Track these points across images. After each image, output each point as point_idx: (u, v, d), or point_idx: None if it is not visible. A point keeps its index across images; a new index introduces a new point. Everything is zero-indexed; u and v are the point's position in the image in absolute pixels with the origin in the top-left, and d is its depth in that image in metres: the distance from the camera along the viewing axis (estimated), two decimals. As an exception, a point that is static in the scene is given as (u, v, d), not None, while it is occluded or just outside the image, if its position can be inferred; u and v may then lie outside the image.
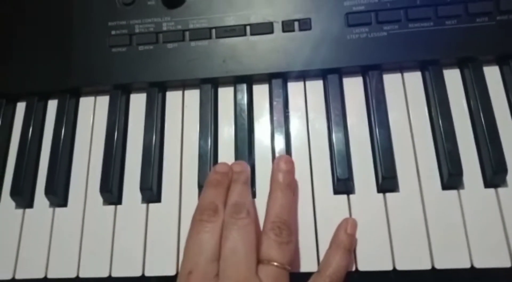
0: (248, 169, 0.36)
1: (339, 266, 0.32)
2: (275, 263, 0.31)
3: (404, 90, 0.39)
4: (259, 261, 0.31)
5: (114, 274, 0.36)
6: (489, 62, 0.38)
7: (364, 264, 0.34)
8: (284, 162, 0.35)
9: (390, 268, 0.33)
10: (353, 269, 0.33)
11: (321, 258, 0.34)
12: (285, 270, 0.31)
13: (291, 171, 0.35)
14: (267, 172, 0.36)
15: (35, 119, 0.41)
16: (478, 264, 0.33)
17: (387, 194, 0.35)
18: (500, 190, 0.34)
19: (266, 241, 0.32)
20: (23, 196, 0.39)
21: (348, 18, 0.39)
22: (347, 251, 0.33)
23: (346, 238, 0.33)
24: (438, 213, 0.34)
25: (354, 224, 0.34)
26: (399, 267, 0.33)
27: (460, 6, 0.38)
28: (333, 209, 0.35)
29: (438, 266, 0.33)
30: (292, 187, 0.34)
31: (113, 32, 0.42)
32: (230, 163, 0.36)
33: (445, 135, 0.35)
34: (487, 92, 0.37)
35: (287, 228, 0.32)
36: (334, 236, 0.34)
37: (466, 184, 0.35)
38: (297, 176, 0.37)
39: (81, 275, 0.36)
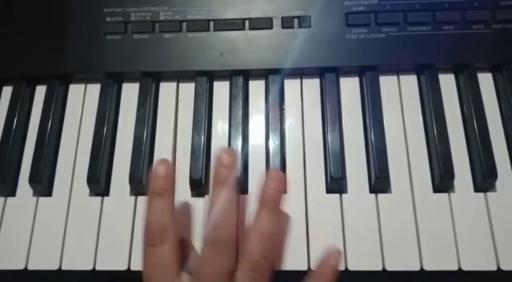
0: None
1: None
2: None
3: (400, 93, 0.39)
4: None
5: (98, 268, 0.35)
6: (483, 69, 0.39)
7: (354, 263, 0.33)
8: (276, 182, 0.31)
9: (379, 268, 0.33)
10: (343, 268, 0.33)
11: (311, 256, 0.34)
12: None
13: (281, 190, 0.31)
14: (260, 169, 0.36)
15: (21, 104, 0.40)
16: (465, 267, 0.33)
17: (379, 195, 0.35)
18: (489, 194, 0.35)
19: (242, 276, 0.30)
20: (6, 184, 0.37)
21: (348, 18, 0.39)
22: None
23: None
24: (428, 215, 0.35)
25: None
26: (389, 268, 0.33)
27: (458, 13, 0.39)
28: (325, 207, 0.35)
29: (426, 267, 0.33)
30: (279, 208, 0.31)
31: (108, 19, 0.41)
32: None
33: (438, 138, 0.36)
34: (480, 99, 0.37)
35: (265, 265, 0.30)
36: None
37: (456, 188, 0.35)
38: (290, 174, 0.36)
39: (64, 268, 0.35)
